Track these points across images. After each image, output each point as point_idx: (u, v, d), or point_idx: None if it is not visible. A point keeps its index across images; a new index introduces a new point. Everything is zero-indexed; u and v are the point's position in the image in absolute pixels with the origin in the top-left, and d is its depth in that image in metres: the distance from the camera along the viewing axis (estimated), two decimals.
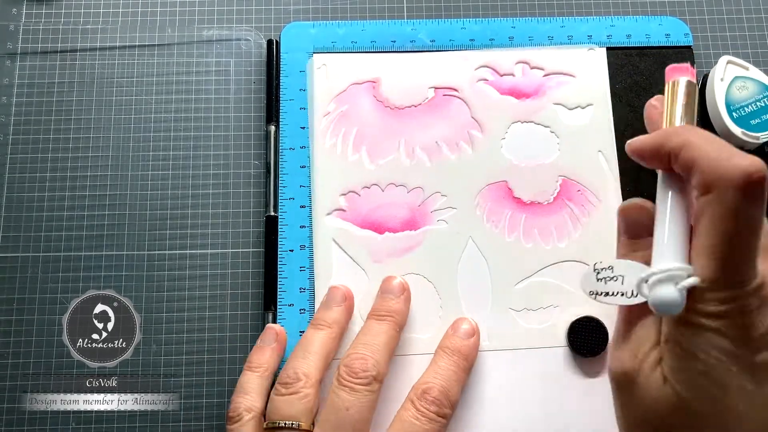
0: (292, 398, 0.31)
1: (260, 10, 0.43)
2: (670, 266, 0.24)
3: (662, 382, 0.24)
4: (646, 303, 0.25)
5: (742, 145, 0.40)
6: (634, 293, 0.25)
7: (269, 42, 0.41)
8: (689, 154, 0.24)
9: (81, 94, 0.41)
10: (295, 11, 0.43)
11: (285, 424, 0.30)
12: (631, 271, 0.26)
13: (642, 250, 0.27)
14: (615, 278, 0.26)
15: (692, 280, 0.23)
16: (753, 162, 0.22)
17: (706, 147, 0.24)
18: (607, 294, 0.26)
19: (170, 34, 0.42)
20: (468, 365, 0.34)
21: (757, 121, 0.39)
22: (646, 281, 0.24)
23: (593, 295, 0.26)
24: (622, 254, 0.28)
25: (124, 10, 0.42)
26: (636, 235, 0.28)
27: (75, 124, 0.40)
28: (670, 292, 0.24)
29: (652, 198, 0.28)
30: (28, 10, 0.43)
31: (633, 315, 0.26)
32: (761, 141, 0.39)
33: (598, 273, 0.27)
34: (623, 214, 0.29)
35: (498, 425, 0.35)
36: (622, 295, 0.26)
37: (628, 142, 0.28)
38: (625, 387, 0.26)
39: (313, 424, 0.31)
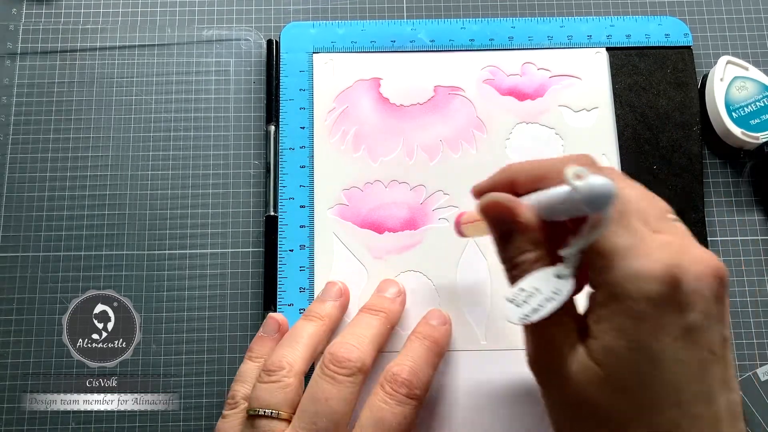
0: (272, 386, 0.31)
1: (260, 10, 0.43)
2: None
3: (587, 362, 0.24)
4: (562, 307, 0.24)
5: (741, 146, 0.40)
6: (556, 292, 0.25)
7: (269, 42, 0.41)
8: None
9: (81, 94, 0.41)
10: (295, 11, 0.43)
11: (265, 412, 0.30)
12: (538, 278, 0.25)
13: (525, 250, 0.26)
14: (531, 294, 0.25)
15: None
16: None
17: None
18: (536, 310, 0.25)
19: (170, 34, 0.42)
20: (439, 350, 0.33)
21: (756, 121, 0.39)
22: (578, 177, 0.23)
23: (525, 320, 0.25)
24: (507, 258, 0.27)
25: (124, 10, 0.43)
26: (507, 232, 0.27)
27: (75, 124, 0.40)
28: (605, 180, 0.22)
29: None
30: (28, 10, 0.43)
31: (551, 319, 0.26)
32: (761, 141, 0.39)
33: (515, 301, 0.25)
34: (492, 209, 0.27)
35: (497, 424, 0.35)
36: (548, 301, 0.25)
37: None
38: (548, 374, 0.26)
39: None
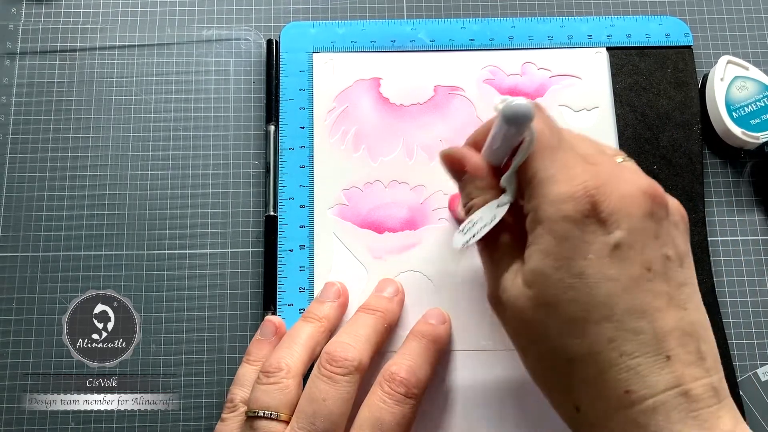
0: (271, 388, 0.31)
1: (260, 10, 0.43)
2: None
3: (521, 286, 0.26)
4: (502, 233, 0.27)
5: (742, 145, 0.40)
6: (493, 218, 0.27)
7: (269, 42, 0.41)
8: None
9: (81, 93, 0.41)
10: (294, 11, 0.43)
11: (264, 413, 0.30)
12: (483, 210, 0.28)
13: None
14: (475, 223, 0.28)
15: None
16: None
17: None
18: (473, 236, 0.28)
19: (170, 34, 0.42)
20: (438, 349, 0.33)
21: (757, 121, 0.39)
22: (501, 104, 0.25)
23: (465, 246, 0.28)
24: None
25: (123, 10, 0.42)
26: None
27: (75, 124, 0.40)
28: (522, 99, 0.25)
29: None
30: (28, 10, 0.43)
31: (491, 246, 0.28)
32: (761, 141, 0.39)
33: (462, 230, 0.29)
34: (446, 160, 0.30)
35: (497, 424, 0.35)
36: (485, 225, 0.27)
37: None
38: (498, 305, 0.28)
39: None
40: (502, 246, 0.28)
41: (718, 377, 0.24)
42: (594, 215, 0.24)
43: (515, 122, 0.25)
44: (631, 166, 0.27)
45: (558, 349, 0.25)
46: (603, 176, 0.25)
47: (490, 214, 0.28)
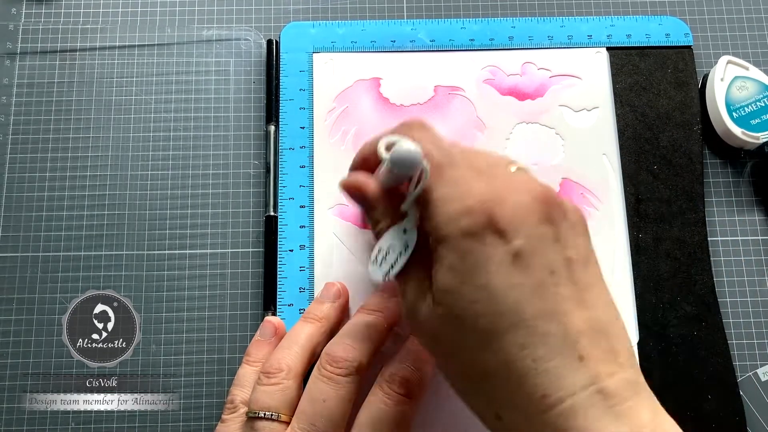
0: (272, 389, 0.31)
1: (260, 10, 0.43)
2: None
3: (431, 305, 0.26)
4: (413, 259, 0.27)
5: (742, 146, 0.40)
6: (405, 246, 0.28)
7: (269, 42, 0.41)
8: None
9: (81, 94, 0.41)
10: (295, 11, 0.43)
11: (265, 414, 0.30)
12: (390, 236, 0.28)
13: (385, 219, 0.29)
14: (387, 251, 0.28)
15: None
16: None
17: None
18: (392, 266, 0.28)
19: (170, 34, 0.42)
20: None
21: (757, 121, 0.39)
22: (388, 149, 0.26)
23: (386, 278, 0.28)
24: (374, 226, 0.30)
25: (124, 10, 0.42)
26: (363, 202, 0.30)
27: (75, 124, 0.40)
28: (409, 145, 0.26)
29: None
30: (28, 10, 0.43)
31: (402, 272, 0.28)
32: (761, 141, 0.39)
33: (375, 261, 0.29)
34: (347, 189, 0.31)
35: None
36: (401, 255, 0.28)
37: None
38: (413, 326, 0.28)
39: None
40: (411, 270, 0.28)
41: (633, 371, 0.24)
42: (491, 227, 0.24)
43: (403, 168, 0.26)
44: (524, 175, 0.27)
45: (472, 362, 0.25)
46: (496, 188, 0.25)
47: (399, 242, 0.28)
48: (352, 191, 0.30)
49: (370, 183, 0.30)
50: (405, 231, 0.28)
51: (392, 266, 0.28)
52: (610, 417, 0.23)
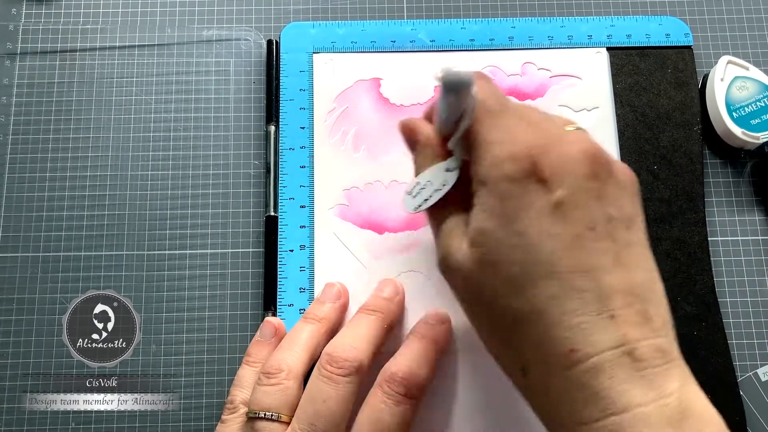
0: (272, 389, 0.31)
1: (260, 10, 0.43)
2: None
3: (466, 248, 0.26)
4: (446, 199, 0.28)
5: (742, 146, 0.40)
6: (443, 183, 0.28)
7: (269, 42, 0.41)
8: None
9: (81, 94, 0.41)
10: (295, 11, 0.43)
11: (265, 414, 0.30)
12: (431, 172, 0.28)
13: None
14: (424, 186, 0.28)
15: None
16: None
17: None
18: (426, 200, 0.28)
19: (170, 34, 0.42)
20: (437, 349, 0.33)
21: (757, 121, 0.39)
22: (442, 75, 0.26)
23: (417, 210, 0.29)
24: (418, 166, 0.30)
25: (124, 10, 0.42)
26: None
27: (75, 124, 0.40)
28: (460, 67, 0.25)
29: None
30: (28, 10, 0.43)
31: (439, 212, 0.28)
32: (761, 141, 0.39)
33: (411, 192, 0.29)
34: (402, 131, 0.31)
35: (497, 424, 0.35)
36: (437, 191, 0.28)
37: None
38: (446, 269, 0.28)
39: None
40: (448, 211, 0.28)
41: (667, 339, 0.24)
42: (535, 175, 0.24)
43: (454, 89, 0.26)
44: (580, 132, 0.27)
45: (503, 309, 0.25)
46: (545, 138, 0.25)
47: (439, 178, 0.28)
48: (406, 131, 0.30)
49: (425, 125, 0.30)
50: (447, 169, 0.28)
51: (426, 200, 0.28)
52: (636, 380, 0.22)
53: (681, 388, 0.23)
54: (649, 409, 0.22)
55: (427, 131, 0.30)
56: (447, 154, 0.29)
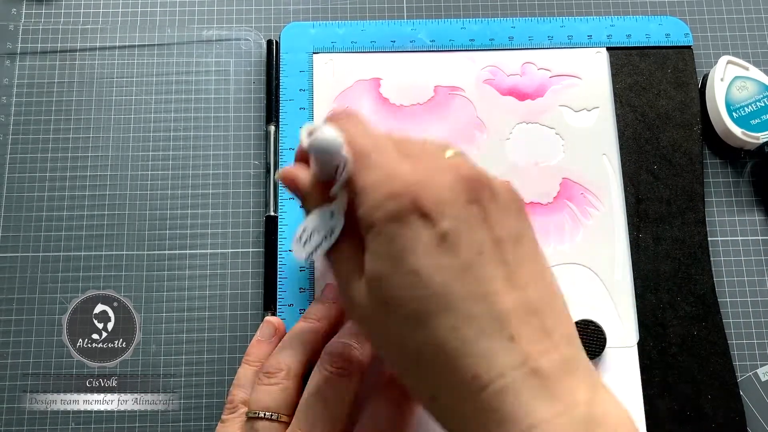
0: (272, 389, 0.31)
1: (260, 10, 0.43)
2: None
3: (362, 289, 0.26)
4: (342, 244, 0.27)
5: (742, 146, 0.40)
6: (331, 231, 0.28)
7: (269, 42, 0.41)
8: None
9: (81, 94, 0.41)
10: (295, 11, 0.43)
11: (264, 414, 0.30)
12: (317, 217, 0.28)
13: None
14: (312, 233, 0.28)
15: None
16: None
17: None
18: (315, 248, 0.28)
19: (170, 34, 0.42)
20: None
21: (757, 121, 0.39)
22: (310, 134, 0.26)
23: (309, 258, 0.28)
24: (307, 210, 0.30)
25: (124, 10, 0.42)
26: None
27: (75, 124, 0.40)
28: (328, 130, 0.26)
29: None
30: (28, 10, 0.43)
31: (335, 258, 0.28)
32: (761, 141, 0.39)
33: (300, 239, 0.29)
34: (283, 181, 0.31)
35: None
36: (326, 238, 0.28)
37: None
38: (349, 311, 0.28)
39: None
40: (344, 256, 0.28)
41: (570, 348, 0.24)
42: (417, 210, 0.24)
43: (324, 153, 0.26)
44: (457, 158, 0.27)
45: (406, 344, 0.25)
46: (422, 171, 0.25)
47: (326, 225, 0.28)
48: (287, 181, 0.30)
49: (303, 173, 0.30)
50: (332, 215, 0.28)
51: (316, 248, 0.28)
52: (543, 396, 0.22)
53: (592, 397, 0.23)
54: (557, 422, 0.22)
55: (305, 178, 0.29)
56: (331, 199, 0.28)
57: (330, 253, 0.28)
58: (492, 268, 0.24)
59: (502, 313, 0.23)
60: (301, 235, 0.29)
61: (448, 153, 0.27)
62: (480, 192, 0.25)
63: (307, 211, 0.30)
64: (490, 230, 0.25)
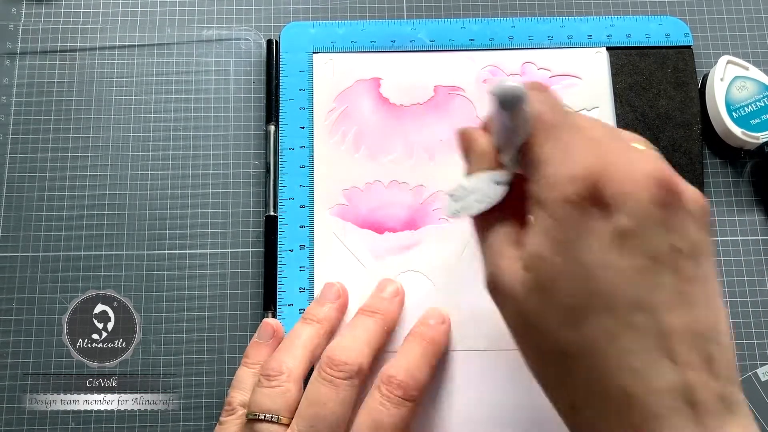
0: (272, 391, 0.31)
1: (260, 10, 0.43)
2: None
3: (519, 271, 0.24)
4: (498, 213, 0.26)
5: (742, 145, 0.40)
6: (490, 195, 0.27)
7: (269, 42, 0.41)
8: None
9: (81, 94, 0.41)
10: (294, 11, 0.43)
11: (265, 416, 0.30)
12: (478, 180, 0.27)
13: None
14: (467, 191, 0.27)
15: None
16: None
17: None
18: (465, 208, 0.27)
19: (170, 34, 0.42)
20: (436, 350, 0.33)
21: (757, 121, 0.39)
22: (493, 90, 0.25)
23: (455, 214, 0.27)
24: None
25: (124, 10, 0.42)
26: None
27: (75, 124, 0.40)
28: (512, 82, 0.25)
29: None
30: (28, 10, 0.43)
31: (486, 225, 0.27)
32: (761, 141, 0.39)
33: (453, 196, 0.28)
34: (458, 139, 0.30)
35: (496, 425, 0.35)
36: (481, 202, 0.27)
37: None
38: (495, 291, 0.26)
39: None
40: (501, 229, 0.26)
41: (731, 385, 0.22)
42: (596, 199, 0.23)
43: (506, 105, 0.25)
44: (648, 152, 0.25)
45: (554, 341, 0.23)
46: (609, 159, 0.23)
47: (486, 190, 0.27)
48: (463, 138, 0.29)
49: (481, 136, 0.28)
50: (497, 183, 0.27)
51: (466, 207, 0.27)
52: (693, 429, 0.21)
53: None
54: None
55: (481, 142, 0.28)
56: (501, 166, 0.27)
57: (480, 218, 0.27)
58: (664, 278, 0.22)
59: (667, 330, 0.22)
60: (456, 191, 0.28)
61: (637, 145, 0.26)
62: (667, 194, 0.23)
63: (468, 171, 0.28)
64: (670, 237, 0.23)
